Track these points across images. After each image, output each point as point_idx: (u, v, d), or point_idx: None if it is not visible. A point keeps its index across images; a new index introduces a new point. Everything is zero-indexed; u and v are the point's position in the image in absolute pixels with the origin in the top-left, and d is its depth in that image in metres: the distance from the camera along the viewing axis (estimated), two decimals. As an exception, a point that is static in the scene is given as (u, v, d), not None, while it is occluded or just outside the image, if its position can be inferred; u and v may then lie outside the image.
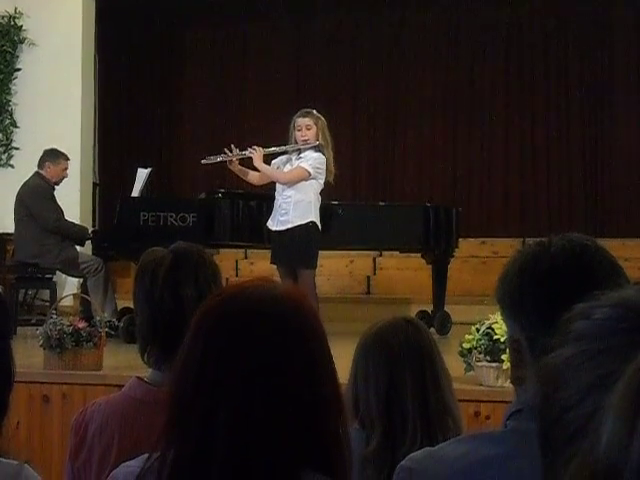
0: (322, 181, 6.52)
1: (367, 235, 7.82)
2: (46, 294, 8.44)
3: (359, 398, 2.33)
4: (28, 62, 9.72)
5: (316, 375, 1.40)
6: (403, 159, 11.81)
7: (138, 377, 2.21)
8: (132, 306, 2.39)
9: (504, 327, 2.14)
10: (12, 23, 9.69)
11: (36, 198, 7.85)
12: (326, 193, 6.76)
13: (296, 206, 6.45)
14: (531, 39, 11.49)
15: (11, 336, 1.92)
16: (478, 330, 4.56)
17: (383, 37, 11.83)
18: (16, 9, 9.66)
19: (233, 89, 12.12)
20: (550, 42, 11.43)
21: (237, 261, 10.74)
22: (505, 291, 1.54)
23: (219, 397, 1.36)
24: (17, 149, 9.69)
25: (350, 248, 8.82)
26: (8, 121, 9.73)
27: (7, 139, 9.73)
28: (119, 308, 7.66)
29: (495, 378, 4.54)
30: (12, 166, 9.63)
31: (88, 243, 8.13)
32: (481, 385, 4.60)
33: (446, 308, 8.08)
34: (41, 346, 5.28)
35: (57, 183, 8.02)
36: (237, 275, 10.47)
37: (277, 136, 7.05)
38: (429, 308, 8.15)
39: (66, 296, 7.27)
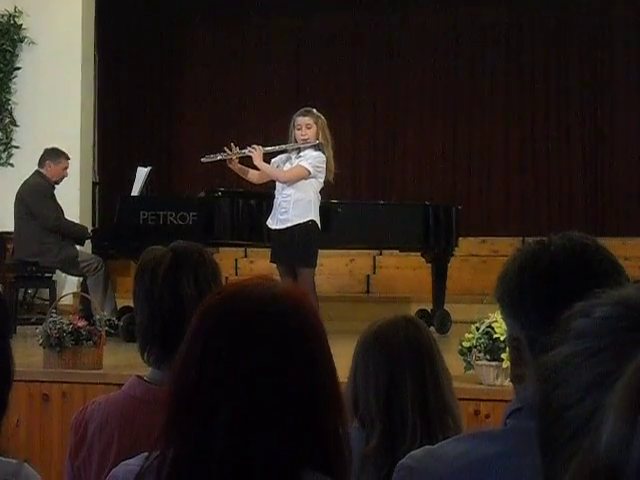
0: (322, 180, 6.52)
1: (367, 234, 7.83)
2: (46, 293, 8.44)
3: (359, 397, 2.33)
4: (28, 61, 9.72)
5: (316, 374, 1.40)
6: (403, 158, 11.82)
7: (138, 376, 2.21)
8: (132, 305, 2.38)
9: (504, 326, 2.14)
10: (12, 22, 9.68)
11: (36, 197, 7.85)
12: (326, 192, 6.76)
13: (296, 205, 6.45)
14: (531, 39, 11.49)
15: (11, 335, 1.92)
16: (478, 329, 4.56)
17: (383, 37, 11.83)
18: (16, 8, 9.65)
19: (233, 89, 12.12)
20: (550, 42, 11.43)
21: (237, 260, 10.74)
22: (505, 290, 1.54)
23: (219, 396, 1.36)
24: (17, 148, 9.69)
25: (350, 247, 8.83)
26: (8, 120, 9.73)
27: (7, 138, 9.73)
28: (119, 307, 7.67)
29: (495, 377, 4.55)
30: (12, 165, 9.63)
31: (88, 242, 8.14)
32: (481, 384, 4.61)
33: (446, 307, 8.08)
34: (41, 345, 5.28)
35: (57, 182, 8.02)
36: (237, 274, 10.47)
37: (277, 135, 7.06)
38: (429, 307, 8.16)
39: (66, 295, 7.27)
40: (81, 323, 5.31)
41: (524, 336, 1.50)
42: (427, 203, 8.30)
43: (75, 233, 7.98)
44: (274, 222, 6.58)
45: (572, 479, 0.72)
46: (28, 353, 5.67)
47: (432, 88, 11.68)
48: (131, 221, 7.30)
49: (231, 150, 6.71)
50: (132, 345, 4.00)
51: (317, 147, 6.50)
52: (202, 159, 6.99)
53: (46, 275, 7.96)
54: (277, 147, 6.73)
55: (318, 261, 6.64)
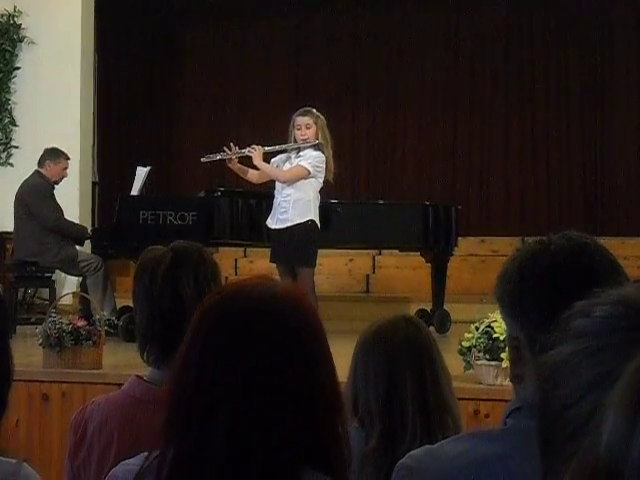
0: (321, 180, 6.52)
1: (366, 234, 7.83)
2: (45, 293, 8.44)
3: (358, 397, 2.33)
4: (27, 61, 9.72)
5: (315, 374, 1.40)
6: (402, 158, 11.83)
7: (137, 376, 2.21)
8: (131, 305, 2.38)
9: (503, 326, 2.15)
10: (11, 22, 9.68)
11: (36, 197, 7.85)
12: (325, 192, 6.76)
13: (295, 204, 6.45)
14: (531, 39, 11.50)
15: (10, 335, 1.92)
16: (477, 329, 4.56)
17: (383, 37, 11.84)
18: (15, 8, 9.65)
19: (233, 89, 12.12)
20: (550, 42, 11.43)
21: (236, 259, 10.75)
22: (504, 289, 1.54)
23: (218, 395, 1.36)
24: (16, 148, 9.69)
25: (349, 247, 8.83)
26: (7, 120, 9.73)
27: (6, 138, 9.73)
28: (118, 307, 7.67)
29: (494, 376, 4.55)
30: (11, 165, 9.63)
31: (87, 242, 8.14)
32: (480, 383, 4.61)
33: (445, 306, 8.08)
34: (40, 345, 5.28)
35: (57, 182, 8.02)
36: (236, 274, 10.47)
37: (277, 136, 7.05)
38: (428, 307, 8.16)
39: (65, 295, 7.26)
40: (81, 323, 5.31)
41: (524, 336, 1.50)
42: (427, 203, 8.30)
43: (75, 233, 7.98)
44: (274, 222, 6.58)
45: (573, 478, 0.72)
46: (28, 353, 5.67)
47: (432, 88, 11.68)
48: (131, 221, 7.30)
49: (231, 150, 6.71)
50: (132, 345, 4.00)
51: (317, 147, 6.50)
52: (202, 159, 6.99)
53: (46, 275, 7.95)
54: (277, 147, 6.73)
55: (317, 261, 6.64)
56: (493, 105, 11.58)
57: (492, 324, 4.46)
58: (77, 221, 8.54)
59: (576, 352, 0.81)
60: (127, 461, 1.53)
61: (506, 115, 11.54)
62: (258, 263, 9.70)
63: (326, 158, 6.48)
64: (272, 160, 6.71)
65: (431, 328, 5.84)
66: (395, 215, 8.13)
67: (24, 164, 8.68)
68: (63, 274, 8.37)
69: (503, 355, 4.35)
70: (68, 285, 8.81)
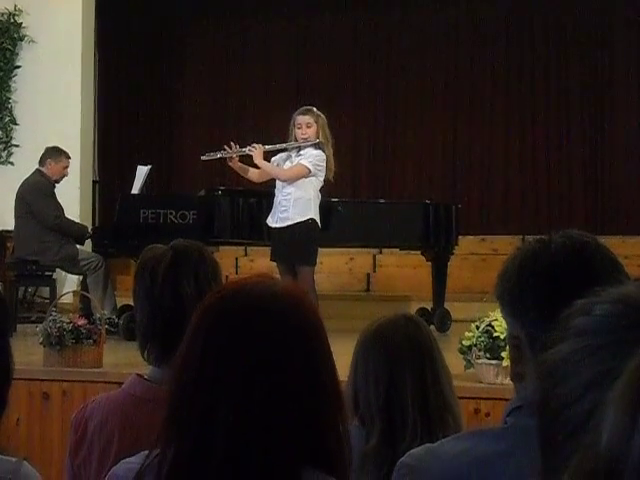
0: (322, 178, 6.52)
1: (367, 232, 7.83)
2: (46, 291, 8.44)
3: (359, 395, 2.33)
4: (28, 60, 9.72)
5: (316, 372, 1.40)
6: (403, 157, 11.82)
7: (138, 374, 2.21)
8: (132, 303, 2.38)
9: (504, 324, 2.15)
10: (12, 20, 9.68)
11: (37, 195, 7.85)
12: (326, 190, 6.76)
13: (296, 203, 6.45)
14: (531, 39, 11.49)
15: (10, 334, 1.92)
16: (478, 327, 4.56)
17: (383, 37, 11.83)
18: (16, 6, 9.65)
19: (233, 89, 12.12)
20: (550, 42, 11.43)
21: (237, 258, 10.74)
22: (505, 288, 1.54)
23: (219, 394, 1.36)
24: (17, 146, 9.69)
25: (350, 245, 8.83)
26: (8, 118, 9.73)
27: (7, 136, 9.73)
28: (119, 305, 7.67)
29: (495, 375, 4.55)
30: (12, 163, 9.63)
31: (88, 241, 8.13)
32: (481, 382, 4.61)
33: (446, 305, 8.08)
34: (41, 343, 5.28)
35: (57, 181, 8.02)
36: (237, 272, 10.47)
37: (277, 135, 7.06)
38: (429, 305, 8.16)
39: (66, 293, 7.26)
40: (81, 322, 5.32)
41: (524, 334, 1.50)
42: (427, 202, 8.29)
43: (75, 232, 7.98)
44: (274, 220, 6.58)
45: (572, 476, 0.72)
46: (28, 351, 5.67)
47: (432, 88, 11.67)
48: (131, 220, 7.30)
49: (231, 148, 6.71)
50: (132, 343, 4.00)
51: (317, 146, 6.50)
52: (202, 157, 7.00)
53: (46, 274, 7.96)
54: (277, 146, 6.73)
55: (318, 259, 6.64)
56: (493, 105, 11.58)
57: (492, 323, 4.46)
58: (78, 220, 8.54)
59: (576, 350, 0.81)
60: (128, 459, 1.53)
61: (506, 115, 11.54)
62: (259, 262, 9.70)
63: (327, 157, 6.48)
64: (272, 159, 6.71)
65: (431, 327, 5.81)
66: (396, 214, 8.13)
67: (24, 163, 8.69)
68: (64, 273, 8.38)
69: (503, 354, 4.35)
70: (69, 284, 8.81)
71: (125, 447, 1.98)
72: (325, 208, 6.86)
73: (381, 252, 10.42)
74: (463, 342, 4.65)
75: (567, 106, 11.38)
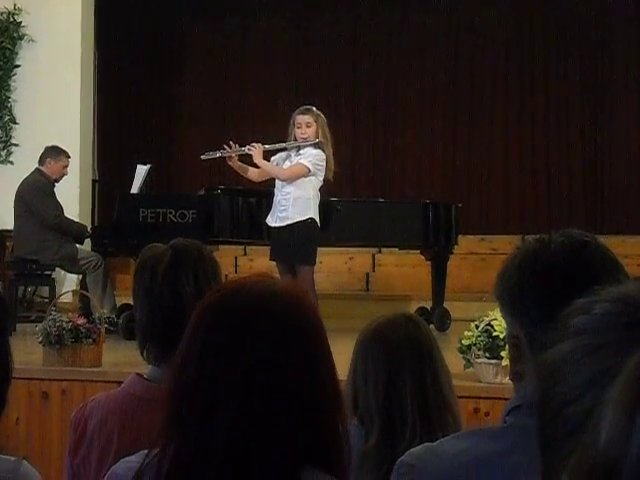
0: (321, 178, 6.52)
1: (366, 232, 7.83)
2: (45, 291, 8.44)
3: (358, 394, 2.33)
4: (27, 59, 9.71)
5: (315, 371, 1.40)
6: (403, 156, 11.82)
7: (137, 374, 2.21)
8: (131, 302, 2.38)
9: (503, 324, 2.15)
10: (11, 20, 9.67)
11: (36, 194, 7.85)
12: (325, 190, 6.76)
13: (295, 202, 6.45)
14: (531, 39, 11.49)
15: (10, 333, 1.92)
16: (477, 327, 4.57)
17: (383, 36, 11.83)
18: (15, 5, 9.64)
19: (233, 88, 12.12)
20: (550, 42, 11.43)
21: (236, 257, 10.75)
22: (504, 287, 1.54)
23: (218, 393, 1.36)
24: (16, 146, 9.69)
25: (349, 245, 8.83)
26: (7, 118, 9.73)
27: (6, 136, 9.72)
28: (118, 304, 7.67)
29: (494, 375, 4.55)
30: (11, 163, 9.63)
31: (87, 240, 8.13)
32: (480, 382, 4.61)
33: (445, 305, 8.09)
34: (40, 343, 5.28)
35: (57, 180, 8.02)
36: (236, 272, 10.47)
37: (276, 134, 7.05)
38: (428, 305, 8.16)
39: (65, 292, 7.27)
40: (80, 321, 5.32)
41: (524, 334, 1.50)
42: (427, 201, 8.29)
43: (75, 231, 7.98)
44: (273, 220, 6.58)
45: (571, 475, 0.72)
46: (28, 351, 5.67)
47: (432, 88, 11.67)
48: (131, 219, 7.30)
49: (231, 148, 6.71)
50: (131, 343, 4.00)
51: (317, 145, 6.50)
52: (202, 156, 7.00)
53: (45, 273, 7.96)
54: (277, 145, 6.73)
55: (317, 259, 6.65)
56: (493, 105, 11.58)
57: (492, 322, 4.46)
58: (77, 219, 8.54)
59: (575, 349, 0.81)
60: (127, 458, 1.53)
61: (506, 115, 11.54)
62: (258, 261, 9.70)
63: (326, 156, 6.48)
64: (272, 158, 6.71)
65: (431, 326, 5.82)
66: (395, 213, 8.13)
67: (24, 162, 8.69)
68: (63, 272, 8.38)
69: (503, 353, 4.35)
70: (68, 283, 8.81)
71: (125, 446, 1.98)
72: (324, 207, 6.86)
73: (380, 251, 10.42)
74: (462, 341, 4.65)
75: (567, 106, 11.38)
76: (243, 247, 10.45)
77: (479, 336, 4.53)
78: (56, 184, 8.00)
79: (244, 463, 1.34)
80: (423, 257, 8.37)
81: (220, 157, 6.82)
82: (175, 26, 12.20)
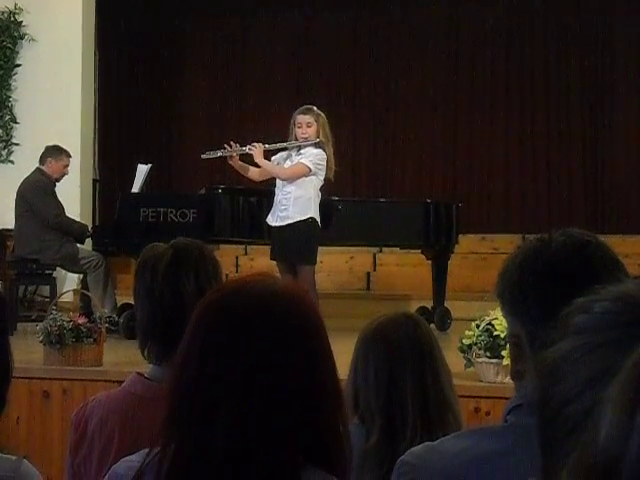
0: (322, 177, 6.52)
1: (367, 231, 7.83)
2: (46, 290, 8.44)
3: (359, 393, 2.33)
4: (28, 58, 9.71)
5: (316, 371, 1.40)
6: (403, 156, 11.82)
7: (138, 373, 2.21)
8: (132, 302, 2.39)
9: (504, 323, 2.15)
10: (12, 19, 9.68)
11: (37, 194, 7.85)
12: (326, 189, 6.76)
13: (296, 202, 6.45)
14: (531, 39, 11.49)
15: (11, 332, 1.92)
16: (478, 326, 4.57)
17: (383, 36, 11.83)
18: (16, 5, 9.64)
19: (233, 88, 12.12)
20: (550, 42, 11.42)
21: (237, 257, 10.74)
22: (505, 287, 1.54)
23: (219, 392, 1.36)
24: (17, 145, 9.69)
25: (350, 244, 8.83)
26: (8, 117, 9.73)
27: (7, 135, 9.73)
28: (119, 304, 7.67)
29: (495, 374, 4.55)
30: (12, 162, 9.63)
31: (88, 239, 8.13)
32: (481, 381, 4.61)
33: (446, 304, 8.08)
34: (41, 342, 5.28)
35: (58, 179, 8.03)
36: (237, 271, 10.47)
37: (277, 134, 7.06)
38: (429, 304, 8.16)
39: (66, 292, 7.27)
40: (81, 320, 5.32)
41: (525, 333, 1.50)
42: (427, 200, 8.29)
43: (75, 230, 7.98)
44: (274, 219, 6.58)
45: (570, 473, 0.72)
46: (28, 350, 5.67)
47: (432, 88, 11.67)
48: (131, 218, 7.30)
49: (231, 147, 6.71)
50: (132, 342, 4.00)
51: (317, 145, 6.50)
52: (202, 155, 7.00)
53: (46, 272, 7.96)
54: (277, 145, 6.73)
55: (318, 258, 6.64)
56: (493, 105, 11.57)
57: (493, 322, 4.46)
58: (78, 218, 8.54)
59: (575, 348, 0.81)
60: (128, 457, 1.53)
61: (506, 115, 11.53)
62: (259, 261, 9.70)
63: (327, 156, 6.48)
64: (272, 158, 6.71)
65: (432, 325, 5.82)
66: (396, 213, 8.13)
67: (25, 161, 8.69)
68: (64, 271, 8.37)
69: (504, 353, 4.35)
70: (69, 282, 8.81)
71: (125, 445, 1.98)
72: (325, 207, 6.86)
73: (381, 251, 10.42)
74: (463, 341, 4.65)
75: (567, 106, 11.38)
76: (244, 246, 10.45)
77: (480, 335, 4.53)
78: (57, 183, 8.01)
79: (244, 463, 1.34)
80: (424, 256, 8.37)
81: (221, 156, 6.83)
82: (175, 26, 12.20)
